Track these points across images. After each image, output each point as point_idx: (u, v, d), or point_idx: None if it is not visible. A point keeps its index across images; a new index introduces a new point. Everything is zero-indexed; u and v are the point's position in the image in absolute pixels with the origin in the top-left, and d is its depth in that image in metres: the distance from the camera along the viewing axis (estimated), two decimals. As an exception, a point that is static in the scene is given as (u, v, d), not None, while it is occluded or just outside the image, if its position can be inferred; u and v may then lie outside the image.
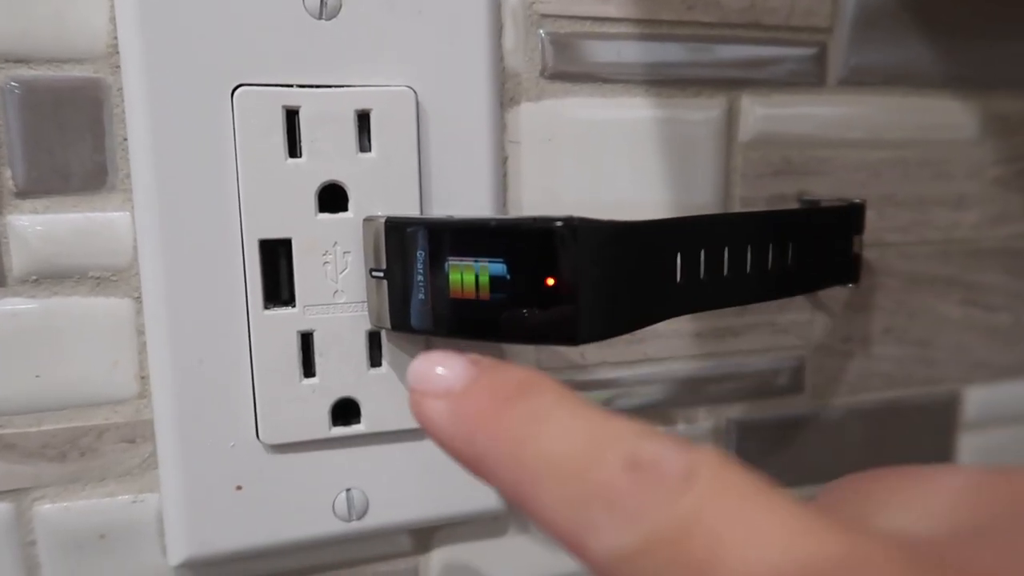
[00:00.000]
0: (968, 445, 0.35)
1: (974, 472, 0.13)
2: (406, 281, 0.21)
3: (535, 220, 0.19)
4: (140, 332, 0.24)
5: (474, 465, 0.16)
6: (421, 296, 0.21)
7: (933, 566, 0.11)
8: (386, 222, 0.22)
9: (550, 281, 0.19)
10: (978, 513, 0.12)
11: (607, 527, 0.12)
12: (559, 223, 0.18)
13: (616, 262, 0.20)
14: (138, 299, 0.24)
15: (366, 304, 0.24)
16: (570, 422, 0.14)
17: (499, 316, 0.20)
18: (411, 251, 0.21)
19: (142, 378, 0.24)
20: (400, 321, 0.22)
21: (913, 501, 0.13)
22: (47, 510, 0.24)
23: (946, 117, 0.32)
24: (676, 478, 0.12)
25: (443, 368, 0.17)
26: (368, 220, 0.23)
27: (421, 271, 0.21)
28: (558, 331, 0.19)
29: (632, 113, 0.27)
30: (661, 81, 0.28)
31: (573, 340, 0.19)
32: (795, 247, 0.25)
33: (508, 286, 0.19)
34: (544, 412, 0.15)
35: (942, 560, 0.11)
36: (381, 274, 0.22)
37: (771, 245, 0.24)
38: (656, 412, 0.30)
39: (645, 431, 0.14)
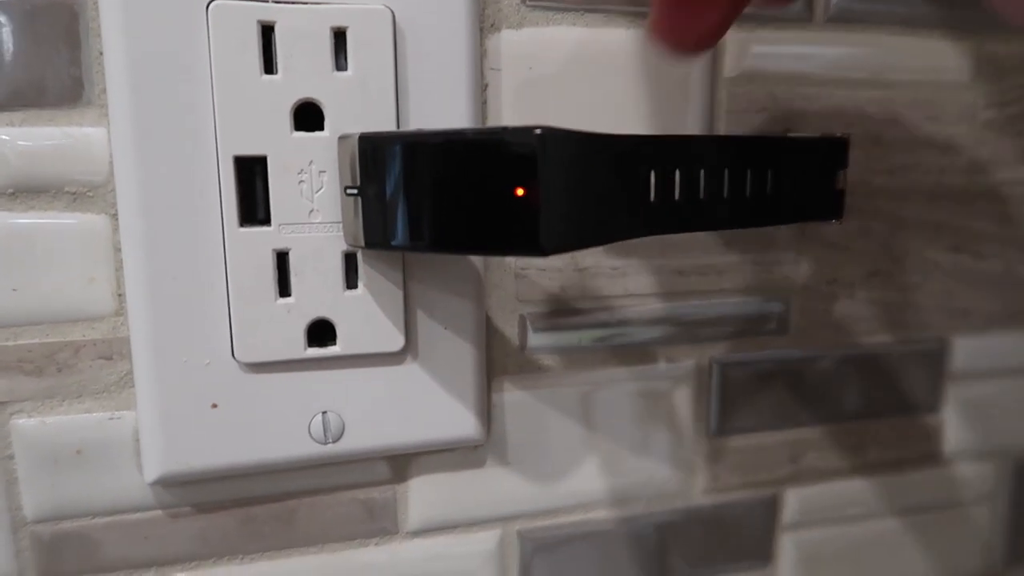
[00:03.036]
0: (956, 395, 0.35)
1: None
2: (381, 197, 0.21)
3: (505, 130, 0.19)
4: (117, 249, 0.24)
5: None
6: (395, 212, 0.21)
7: None
8: (360, 138, 0.22)
9: (519, 191, 0.19)
10: None
11: None
12: (530, 132, 0.18)
13: (586, 173, 0.20)
14: (115, 215, 0.24)
15: (341, 224, 0.24)
16: None
17: (471, 228, 0.20)
18: (385, 167, 0.21)
19: (119, 295, 0.24)
20: (375, 238, 0.22)
21: None
22: (24, 424, 0.24)
23: (937, 59, 0.31)
24: None
25: None
26: (343, 137, 0.23)
27: (395, 186, 0.21)
28: (525, 240, 0.19)
29: (614, 44, 0.27)
30: (644, 12, 0.27)
31: (539, 249, 0.19)
32: (775, 175, 0.25)
33: (479, 197, 0.19)
34: None
35: None
36: (356, 191, 0.22)
37: (750, 170, 0.24)
38: (637, 349, 0.30)
39: None
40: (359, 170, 0.22)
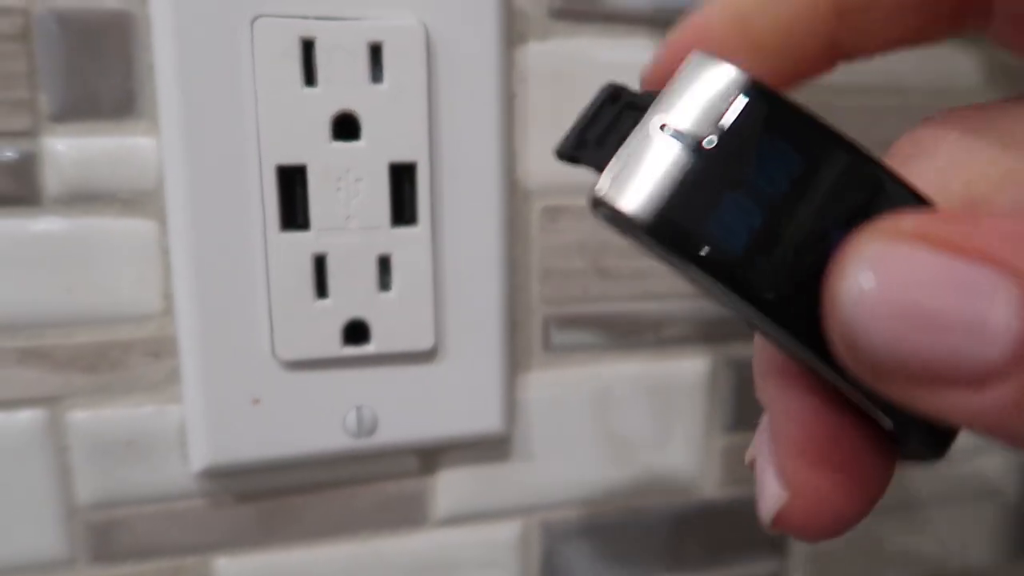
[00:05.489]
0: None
1: None
2: (743, 178, 0.11)
3: None
4: (165, 252, 0.25)
5: None
6: (757, 218, 0.11)
7: None
8: (752, 83, 0.12)
9: None
10: None
11: None
12: None
13: None
14: (163, 221, 0.25)
15: (619, 174, 0.12)
16: None
17: None
18: (782, 153, 0.12)
19: (166, 296, 0.26)
20: (716, 242, 0.11)
21: None
22: (79, 418, 0.26)
23: (951, 65, 0.32)
24: None
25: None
26: (703, 59, 0.12)
27: (782, 183, 0.11)
28: None
29: (638, 54, 0.28)
30: (666, 22, 0.28)
31: None
32: None
33: None
34: None
35: None
36: (692, 143, 0.11)
37: None
38: (656, 347, 0.31)
39: None
40: (732, 125, 0.11)
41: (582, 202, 0.29)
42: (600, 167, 0.12)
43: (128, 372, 0.26)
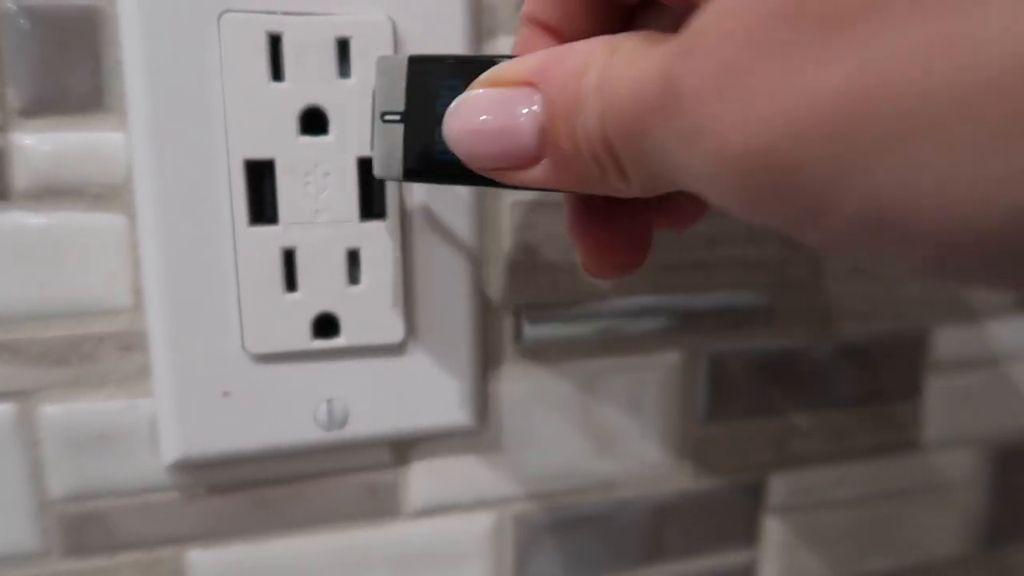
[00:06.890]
0: (937, 384, 0.36)
1: None
2: (428, 123, 0.20)
3: None
4: (135, 247, 0.25)
5: None
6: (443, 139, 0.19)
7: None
8: (409, 59, 0.20)
9: None
10: None
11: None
12: None
13: None
14: (133, 215, 0.25)
15: (373, 159, 0.21)
16: None
17: None
18: (438, 90, 0.20)
19: (136, 290, 0.26)
20: (418, 165, 0.20)
21: None
22: (51, 411, 0.26)
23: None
24: None
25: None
26: (384, 59, 0.21)
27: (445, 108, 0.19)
28: None
29: (607, 50, 0.28)
30: (635, 18, 0.29)
31: None
32: None
33: None
34: None
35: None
36: (397, 117, 0.20)
37: None
38: (628, 340, 0.31)
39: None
40: (404, 94, 0.20)
41: (554, 196, 0.29)
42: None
43: (99, 366, 0.26)
